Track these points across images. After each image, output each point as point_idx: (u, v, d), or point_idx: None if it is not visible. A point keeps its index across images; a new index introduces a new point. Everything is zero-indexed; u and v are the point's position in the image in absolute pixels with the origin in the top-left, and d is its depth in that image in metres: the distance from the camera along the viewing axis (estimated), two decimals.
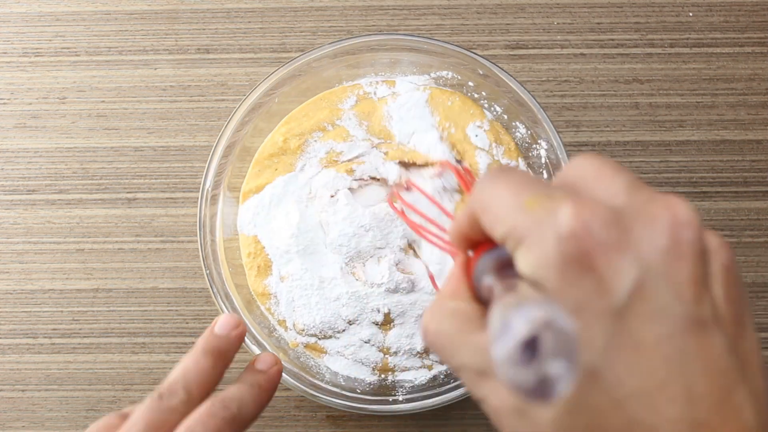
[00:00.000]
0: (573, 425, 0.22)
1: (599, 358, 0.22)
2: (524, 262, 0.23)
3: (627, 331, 0.22)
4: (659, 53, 0.53)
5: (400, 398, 0.42)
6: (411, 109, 0.46)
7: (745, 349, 0.23)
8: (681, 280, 0.22)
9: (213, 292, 0.42)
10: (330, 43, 0.45)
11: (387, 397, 0.42)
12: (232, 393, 0.33)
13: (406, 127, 0.46)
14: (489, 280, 0.25)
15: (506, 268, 0.25)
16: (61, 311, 0.50)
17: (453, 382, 0.42)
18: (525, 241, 0.23)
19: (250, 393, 0.34)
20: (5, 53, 0.53)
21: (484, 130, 0.46)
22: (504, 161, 0.46)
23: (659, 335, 0.21)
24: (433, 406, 0.41)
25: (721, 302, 0.23)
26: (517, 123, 0.45)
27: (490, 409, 0.25)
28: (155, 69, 0.53)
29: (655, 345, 0.21)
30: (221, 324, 0.35)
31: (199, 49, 0.53)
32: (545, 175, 0.45)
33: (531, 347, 0.19)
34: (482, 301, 0.26)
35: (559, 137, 0.43)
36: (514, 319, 0.20)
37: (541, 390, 0.19)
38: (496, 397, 0.24)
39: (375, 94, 0.47)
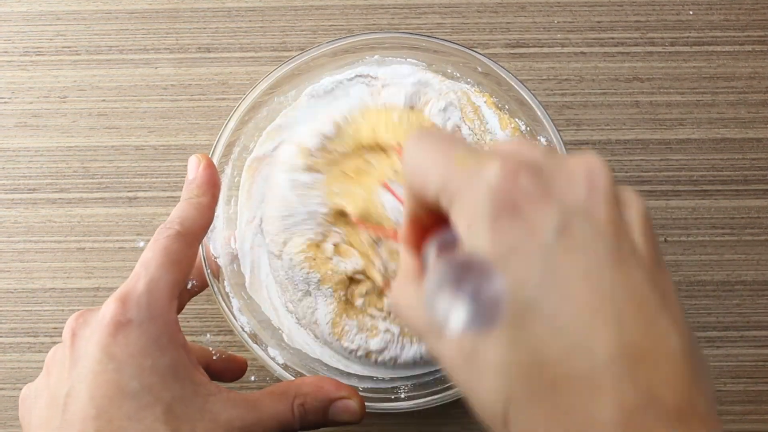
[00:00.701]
0: (518, 359, 0.23)
1: (536, 292, 0.23)
2: (459, 214, 0.25)
3: (558, 266, 0.23)
4: (659, 52, 0.53)
5: (402, 395, 0.42)
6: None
7: (663, 284, 0.25)
8: (600, 219, 0.24)
9: (214, 291, 0.42)
10: (330, 41, 0.45)
11: (389, 395, 0.42)
12: (172, 214, 0.38)
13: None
14: (431, 259, 0.27)
15: (449, 249, 0.27)
16: (62, 310, 0.51)
17: None
18: (458, 195, 0.25)
19: (188, 205, 0.38)
20: (6, 52, 0.54)
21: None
22: None
23: (586, 268, 0.23)
24: (437, 402, 0.41)
25: (640, 243, 0.25)
26: (516, 119, 0.45)
27: (445, 365, 0.26)
28: (156, 68, 0.53)
29: (584, 277, 0.23)
30: (189, 169, 0.40)
31: (199, 48, 0.53)
32: None
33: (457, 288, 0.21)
34: None
35: (560, 135, 0.43)
36: (443, 267, 0.21)
37: (476, 317, 0.21)
38: (448, 352, 0.26)
39: None
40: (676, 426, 0.22)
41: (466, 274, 0.21)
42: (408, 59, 0.46)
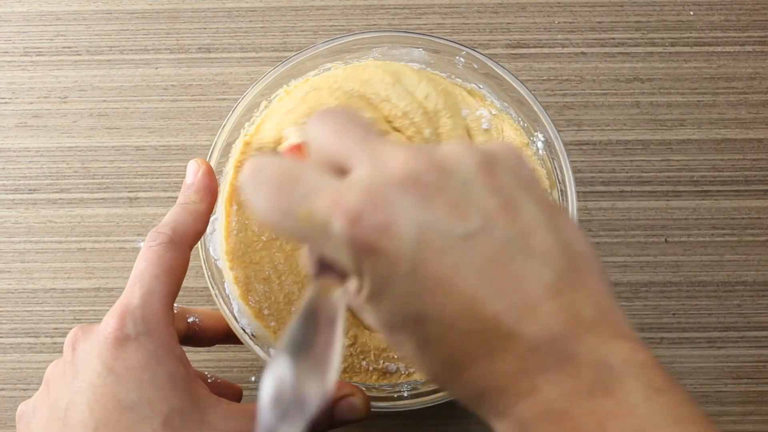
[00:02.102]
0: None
1: (419, 305, 0.25)
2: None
3: (428, 275, 0.25)
4: (660, 52, 0.53)
5: (405, 394, 0.42)
6: None
7: (525, 222, 0.26)
8: (439, 218, 0.25)
9: (214, 294, 0.42)
10: (327, 40, 0.45)
11: (392, 394, 0.42)
12: (165, 218, 0.38)
13: None
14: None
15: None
16: (63, 310, 0.51)
17: None
18: (316, 248, 0.27)
19: (183, 209, 0.38)
20: (6, 52, 0.53)
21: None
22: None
23: (451, 265, 0.25)
24: (440, 401, 0.41)
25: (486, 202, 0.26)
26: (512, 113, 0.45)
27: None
28: (156, 68, 0.53)
29: (452, 273, 0.25)
30: (188, 173, 0.40)
31: (200, 48, 0.53)
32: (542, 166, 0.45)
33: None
34: None
35: (560, 136, 0.43)
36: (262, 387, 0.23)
37: None
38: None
39: None
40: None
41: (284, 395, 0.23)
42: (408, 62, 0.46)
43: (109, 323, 0.34)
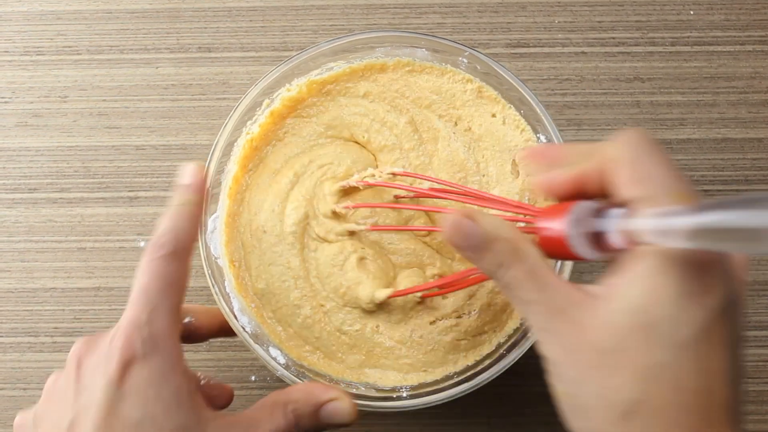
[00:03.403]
0: (670, 373, 0.27)
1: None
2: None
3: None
4: (660, 51, 0.53)
5: (404, 395, 0.42)
6: None
7: None
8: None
9: (214, 292, 0.42)
10: (329, 40, 0.45)
11: (391, 394, 0.42)
12: (163, 226, 0.37)
13: None
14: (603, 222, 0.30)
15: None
16: (63, 310, 0.50)
17: (456, 377, 0.42)
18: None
19: (183, 214, 0.38)
20: (7, 52, 0.53)
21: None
22: None
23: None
24: (439, 401, 0.41)
25: None
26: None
27: (577, 348, 0.28)
28: (157, 68, 0.53)
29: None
30: (185, 174, 0.40)
31: (200, 47, 0.53)
32: None
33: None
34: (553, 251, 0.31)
35: (560, 136, 0.43)
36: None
37: None
38: (590, 338, 0.28)
39: None
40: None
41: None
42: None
43: (116, 341, 0.34)
